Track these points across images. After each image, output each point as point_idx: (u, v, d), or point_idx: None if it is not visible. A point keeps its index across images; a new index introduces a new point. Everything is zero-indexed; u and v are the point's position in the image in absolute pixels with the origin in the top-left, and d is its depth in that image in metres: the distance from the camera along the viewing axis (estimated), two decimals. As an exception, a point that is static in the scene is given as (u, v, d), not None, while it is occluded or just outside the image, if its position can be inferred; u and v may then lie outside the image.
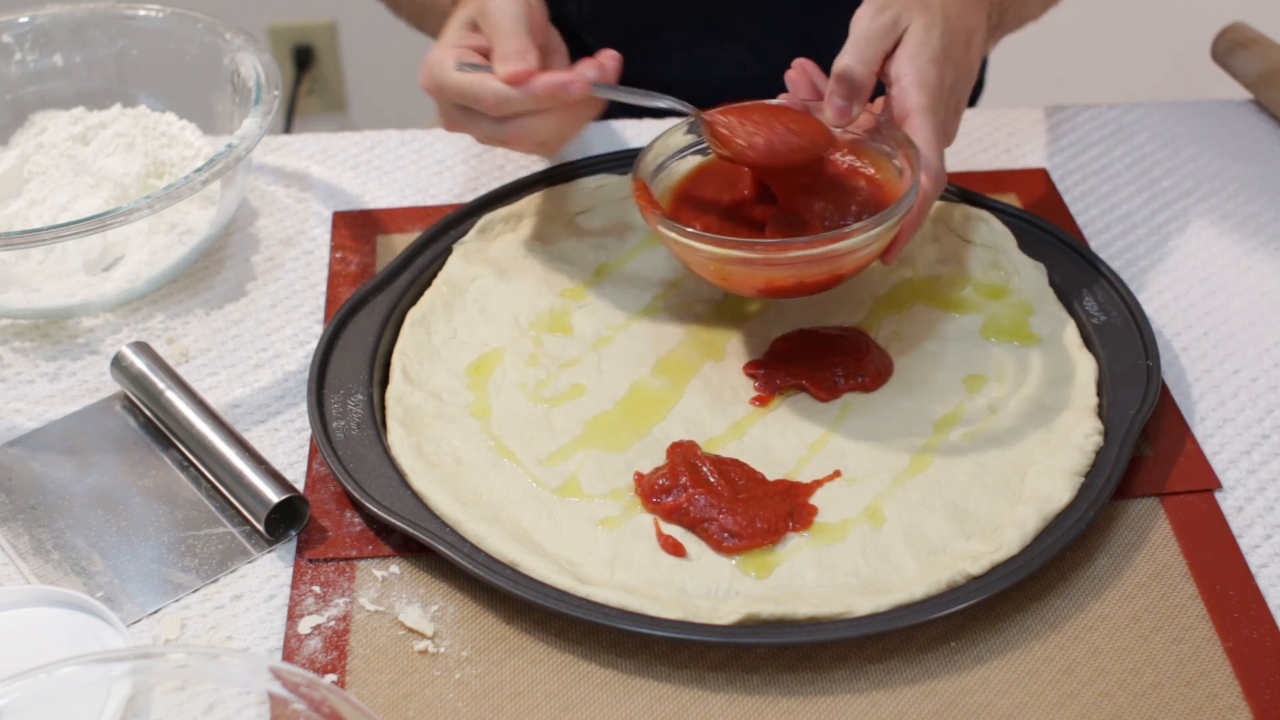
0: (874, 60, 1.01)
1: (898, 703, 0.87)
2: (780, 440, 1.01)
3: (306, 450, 1.03)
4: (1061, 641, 0.91)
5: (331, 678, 0.88)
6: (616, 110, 1.34)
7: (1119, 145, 1.32)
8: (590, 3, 1.40)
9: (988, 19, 1.10)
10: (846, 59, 1.01)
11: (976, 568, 0.91)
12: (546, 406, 1.04)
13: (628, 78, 1.08)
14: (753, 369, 1.06)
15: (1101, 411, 1.02)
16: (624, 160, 1.22)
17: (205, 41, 1.22)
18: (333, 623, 0.91)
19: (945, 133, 1.03)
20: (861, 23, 1.01)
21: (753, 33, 1.42)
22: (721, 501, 0.94)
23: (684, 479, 0.96)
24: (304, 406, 1.05)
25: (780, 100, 1.07)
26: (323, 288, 1.16)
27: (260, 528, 0.95)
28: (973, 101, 1.65)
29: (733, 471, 0.97)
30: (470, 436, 1.01)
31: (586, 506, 0.96)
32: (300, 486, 0.99)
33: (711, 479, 0.96)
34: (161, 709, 0.84)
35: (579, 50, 1.14)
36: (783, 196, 1.05)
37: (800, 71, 1.07)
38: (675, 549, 0.93)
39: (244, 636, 0.91)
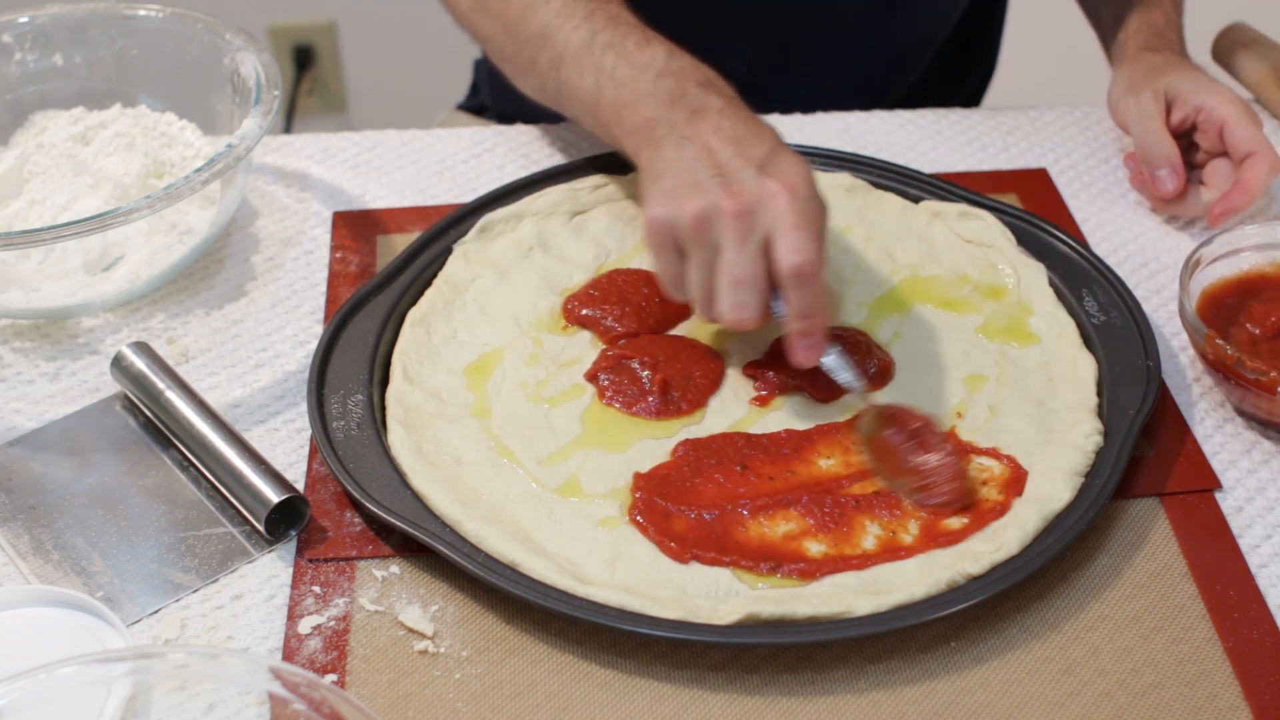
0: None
1: (898, 703, 0.87)
2: (780, 440, 1.01)
3: (306, 450, 1.03)
4: (1061, 641, 0.91)
5: (331, 678, 0.88)
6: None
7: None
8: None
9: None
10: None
11: (976, 568, 0.91)
12: (546, 406, 1.04)
13: None
14: (753, 369, 1.06)
15: (1101, 411, 1.02)
16: (624, 160, 1.22)
17: (205, 41, 1.22)
18: (333, 623, 0.91)
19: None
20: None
21: (812, 29, 1.42)
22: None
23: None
24: (304, 406, 1.05)
25: None
26: (323, 288, 1.16)
27: (260, 528, 0.95)
28: (977, 100, 1.65)
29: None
30: (470, 436, 1.01)
31: (586, 506, 0.96)
32: (300, 486, 0.99)
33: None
34: (161, 709, 0.84)
35: None
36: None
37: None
38: (677, 555, 0.93)
39: (244, 636, 0.91)
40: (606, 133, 1.11)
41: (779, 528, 0.94)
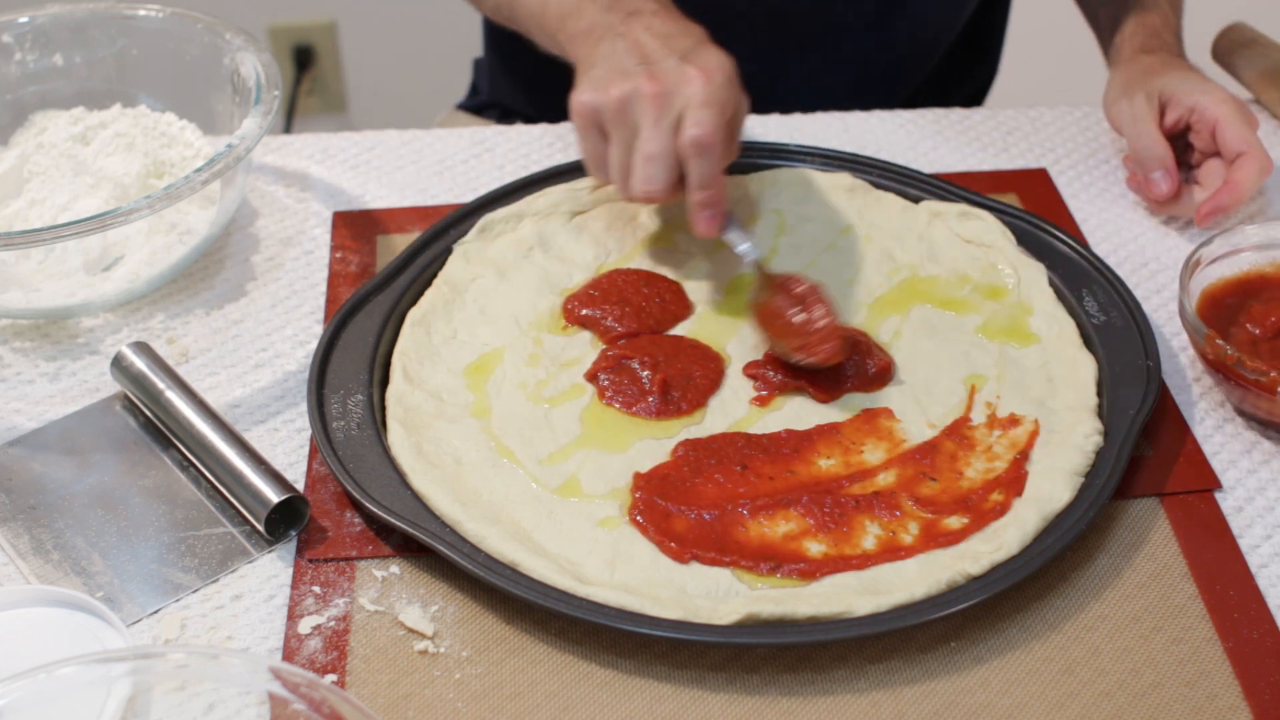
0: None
1: (898, 703, 0.87)
2: (780, 440, 1.01)
3: (306, 450, 1.03)
4: (1061, 641, 0.91)
5: (331, 678, 0.88)
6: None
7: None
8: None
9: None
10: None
11: (976, 568, 0.91)
12: (546, 406, 1.04)
13: None
14: (753, 369, 1.06)
15: (1101, 411, 1.02)
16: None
17: (205, 41, 1.22)
18: (333, 623, 0.91)
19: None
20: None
21: (815, 35, 1.42)
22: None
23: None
24: (304, 406, 1.05)
25: None
26: (323, 288, 1.16)
27: (260, 528, 0.95)
28: (979, 100, 1.65)
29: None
30: (470, 436, 1.01)
31: (586, 506, 0.96)
32: (300, 486, 0.99)
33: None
34: (161, 709, 0.84)
35: None
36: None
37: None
38: (677, 555, 0.93)
39: (244, 636, 0.91)
40: (552, 41, 1.19)
41: (779, 528, 0.94)
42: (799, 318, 1.03)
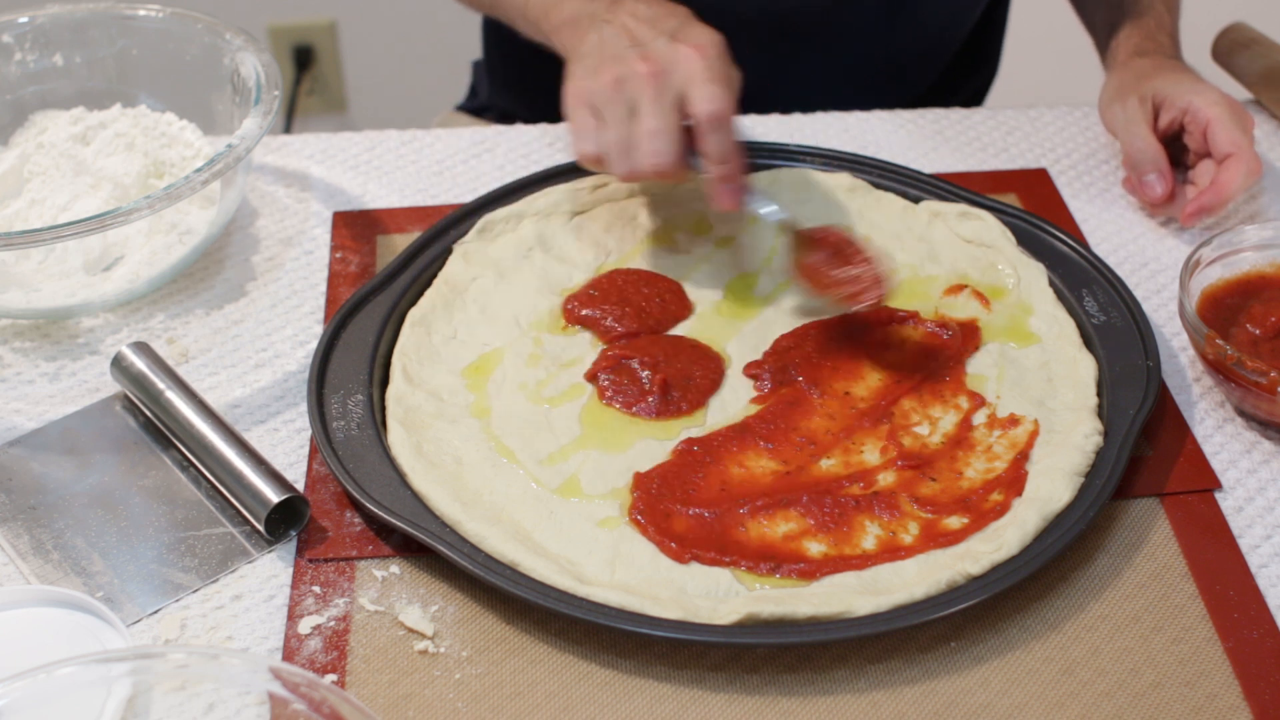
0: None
1: (898, 703, 0.87)
2: (780, 440, 1.01)
3: (306, 450, 1.03)
4: (1061, 641, 0.91)
5: (331, 678, 0.88)
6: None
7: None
8: None
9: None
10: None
11: (976, 568, 0.91)
12: (547, 406, 1.04)
13: None
14: (753, 369, 1.06)
15: (1101, 411, 1.02)
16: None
17: (205, 41, 1.22)
18: (333, 623, 0.91)
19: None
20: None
21: (822, 43, 1.43)
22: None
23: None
24: (304, 406, 1.05)
25: None
26: (323, 288, 1.16)
27: (260, 528, 0.95)
28: (979, 100, 1.65)
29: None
30: (470, 436, 1.01)
31: (587, 506, 0.96)
32: (300, 486, 0.99)
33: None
34: (161, 709, 0.84)
35: None
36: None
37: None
38: (677, 555, 0.93)
39: (244, 636, 0.91)
40: (537, 30, 1.21)
41: (779, 528, 0.94)
42: (842, 273, 1.06)
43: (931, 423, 1.02)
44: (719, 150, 1.05)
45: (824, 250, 1.09)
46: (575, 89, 1.08)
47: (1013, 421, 1.01)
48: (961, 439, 1.01)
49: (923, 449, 1.00)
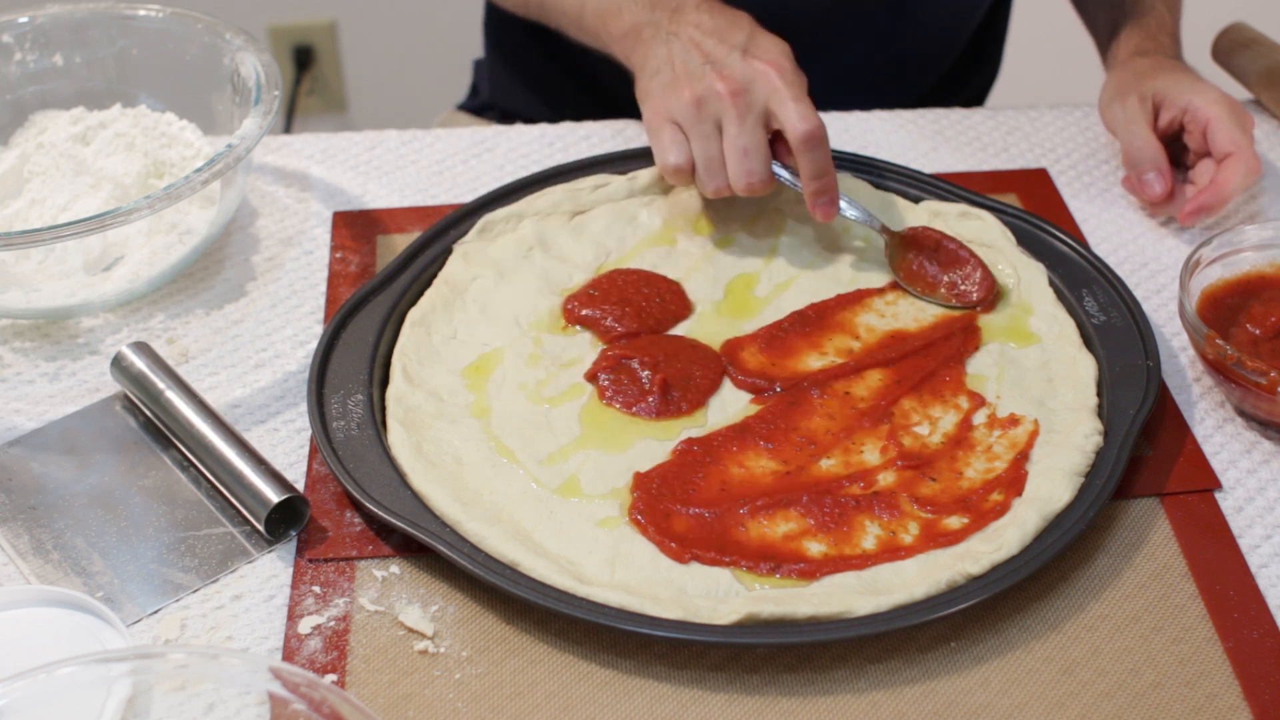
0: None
1: (898, 703, 0.87)
2: (780, 440, 1.01)
3: (306, 450, 1.03)
4: (1061, 641, 0.91)
5: (331, 678, 0.88)
6: (617, 110, 1.34)
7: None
8: None
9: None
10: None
11: (976, 568, 0.91)
12: (547, 406, 1.04)
13: None
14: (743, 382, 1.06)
15: (1101, 411, 1.02)
16: (624, 160, 1.22)
17: (205, 41, 1.22)
18: (333, 623, 0.91)
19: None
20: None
21: (823, 45, 1.42)
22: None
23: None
24: (304, 406, 1.05)
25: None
26: (323, 288, 1.16)
27: (260, 528, 0.95)
28: (980, 100, 1.65)
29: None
30: (470, 436, 1.01)
31: (587, 506, 0.96)
32: (300, 486, 0.99)
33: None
34: (161, 709, 0.84)
35: None
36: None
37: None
38: (677, 555, 0.93)
39: (244, 636, 0.91)
40: (595, 40, 1.22)
41: (779, 528, 0.94)
42: (944, 276, 1.11)
43: (931, 423, 1.02)
44: (816, 167, 1.09)
45: (922, 250, 1.12)
46: (656, 106, 1.11)
47: (1013, 421, 1.01)
48: (961, 439, 1.01)
49: (923, 449, 1.00)
